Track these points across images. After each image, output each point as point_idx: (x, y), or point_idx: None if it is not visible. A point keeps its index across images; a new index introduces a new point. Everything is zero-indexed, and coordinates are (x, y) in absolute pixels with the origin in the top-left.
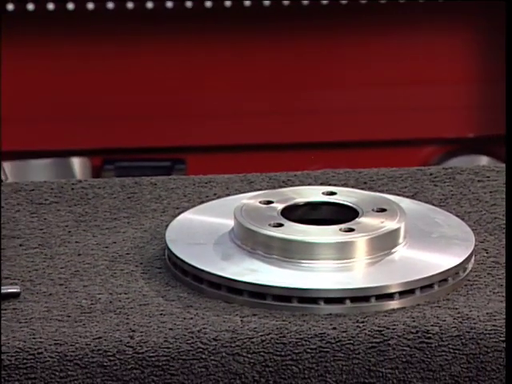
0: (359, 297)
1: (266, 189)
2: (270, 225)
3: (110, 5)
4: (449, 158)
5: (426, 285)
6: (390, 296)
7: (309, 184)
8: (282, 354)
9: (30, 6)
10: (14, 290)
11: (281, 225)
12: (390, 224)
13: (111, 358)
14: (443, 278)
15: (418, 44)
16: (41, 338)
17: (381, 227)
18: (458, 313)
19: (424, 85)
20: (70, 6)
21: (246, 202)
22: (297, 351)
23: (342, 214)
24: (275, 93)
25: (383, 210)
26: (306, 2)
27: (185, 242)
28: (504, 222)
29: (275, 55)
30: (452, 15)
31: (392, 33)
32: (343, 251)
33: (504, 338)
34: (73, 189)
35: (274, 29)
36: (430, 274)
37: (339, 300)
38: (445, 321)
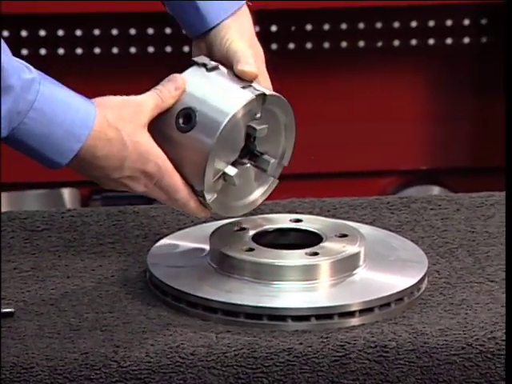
0: (323, 315)
1: (238, 216)
2: (242, 249)
3: (97, 50)
4: (404, 187)
5: (384, 303)
6: (351, 314)
7: (278, 212)
8: (253, 367)
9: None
10: (9, 310)
11: (252, 249)
12: (351, 248)
13: (97, 372)
14: (399, 297)
15: (377, 86)
16: (33, 353)
17: (343, 251)
18: (413, 329)
19: (382, 122)
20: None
21: (220, 229)
22: (267, 364)
23: (307, 240)
24: None
25: (345, 236)
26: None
27: (164, 265)
28: (454, 246)
29: None
30: (407, 61)
31: (353, 74)
32: (309, 273)
33: (455, 352)
34: (63, 217)
35: None
36: (388, 293)
37: (305, 318)
38: (401, 336)
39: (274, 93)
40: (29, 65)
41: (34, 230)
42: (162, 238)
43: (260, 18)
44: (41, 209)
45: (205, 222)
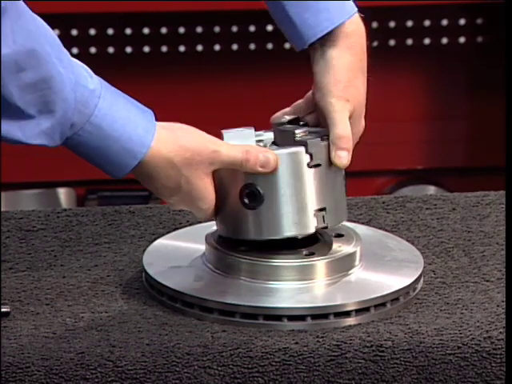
0: (319, 314)
1: None
2: (238, 249)
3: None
4: (400, 187)
5: (380, 303)
6: (347, 313)
7: None
8: (249, 366)
9: None
10: (4, 310)
11: (248, 249)
12: (346, 248)
13: (93, 372)
14: (395, 297)
15: (372, 85)
16: (29, 353)
17: (339, 251)
18: (409, 328)
19: (377, 122)
20: None
21: (216, 228)
22: (262, 364)
23: (303, 239)
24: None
25: (341, 236)
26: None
27: (160, 265)
28: (450, 245)
29: (251, 92)
30: (402, 61)
31: None
32: (305, 273)
33: (451, 352)
34: (58, 217)
35: (242, 71)
36: (384, 293)
37: (301, 317)
38: (397, 336)
39: (340, 225)
40: (92, 73)
41: (30, 229)
42: (157, 237)
43: (257, 17)
44: (36, 208)
45: (200, 222)
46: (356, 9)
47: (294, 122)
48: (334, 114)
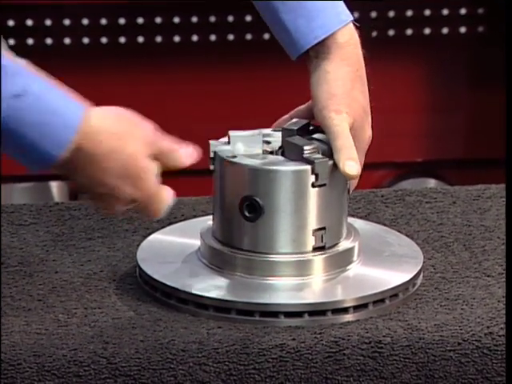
0: (316, 311)
1: None
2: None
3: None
4: (399, 180)
5: (379, 299)
6: (345, 310)
7: None
8: (246, 363)
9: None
10: None
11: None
12: (344, 243)
13: (86, 369)
14: (394, 292)
15: (371, 76)
16: (20, 349)
17: (337, 246)
18: (408, 324)
19: (376, 113)
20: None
21: (211, 223)
22: (259, 361)
23: None
24: (239, 121)
25: None
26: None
27: (155, 260)
28: (450, 240)
29: (249, 85)
30: (402, 51)
31: None
32: (302, 269)
33: (451, 348)
34: (50, 211)
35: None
36: (382, 289)
37: (298, 314)
38: (396, 332)
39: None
40: (17, 65)
41: (22, 223)
42: (152, 232)
43: (253, 7)
44: (28, 202)
45: (196, 216)
46: (351, 17)
47: (305, 127)
48: (333, 128)
